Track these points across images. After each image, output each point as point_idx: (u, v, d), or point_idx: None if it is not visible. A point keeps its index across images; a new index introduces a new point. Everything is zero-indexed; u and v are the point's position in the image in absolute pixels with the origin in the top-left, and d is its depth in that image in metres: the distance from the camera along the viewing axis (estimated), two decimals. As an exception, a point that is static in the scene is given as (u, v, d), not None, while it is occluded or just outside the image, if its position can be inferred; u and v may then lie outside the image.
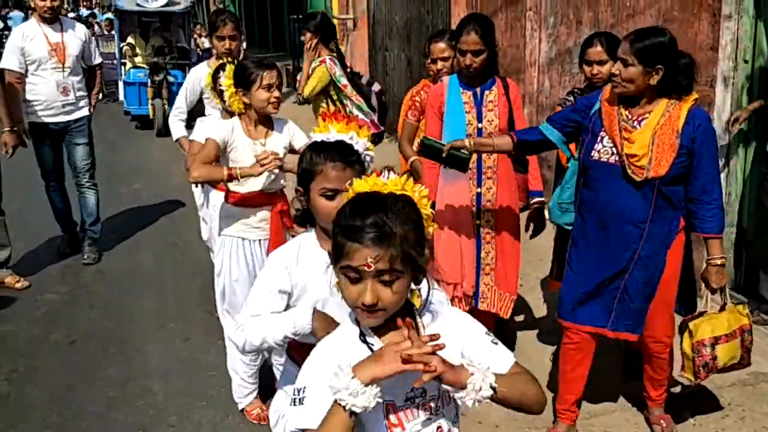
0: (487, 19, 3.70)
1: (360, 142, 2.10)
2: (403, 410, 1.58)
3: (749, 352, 3.16)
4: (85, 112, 5.88)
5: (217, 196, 3.68)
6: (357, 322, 1.64)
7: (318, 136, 2.11)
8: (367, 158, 2.12)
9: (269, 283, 2.05)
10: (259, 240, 3.40)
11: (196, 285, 5.24)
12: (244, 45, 15.07)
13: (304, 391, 1.57)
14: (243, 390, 3.59)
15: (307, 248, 2.07)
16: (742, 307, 3.19)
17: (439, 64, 4.01)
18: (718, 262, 3.00)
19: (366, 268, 1.50)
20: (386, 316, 1.57)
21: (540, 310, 4.70)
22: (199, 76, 4.50)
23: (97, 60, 6.15)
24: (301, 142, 3.42)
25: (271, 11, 21.29)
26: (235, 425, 3.55)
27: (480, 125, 3.64)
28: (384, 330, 1.62)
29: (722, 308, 3.12)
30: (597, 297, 3.13)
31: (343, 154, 2.05)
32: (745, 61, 4.47)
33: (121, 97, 13.00)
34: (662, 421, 3.34)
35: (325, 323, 1.93)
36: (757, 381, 3.75)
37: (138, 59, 12.19)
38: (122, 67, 12.82)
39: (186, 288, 5.28)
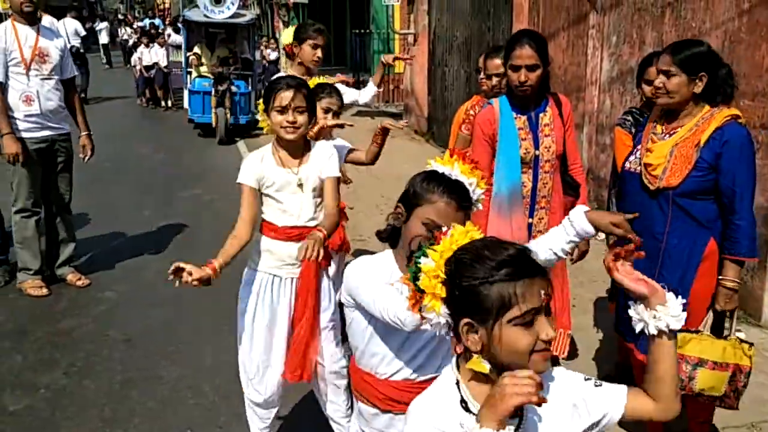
0: (540, 35, 3.49)
1: (477, 192, 2.08)
2: None
3: (738, 394, 2.89)
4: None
5: None
6: (457, 385, 1.51)
7: (439, 168, 2.08)
8: (474, 209, 2.09)
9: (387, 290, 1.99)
10: (291, 278, 3.04)
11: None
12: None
13: None
14: None
15: (384, 267, 2.11)
16: (748, 347, 2.87)
17: (494, 80, 4.02)
18: (728, 285, 2.88)
19: (545, 301, 1.40)
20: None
21: (590, 332, 4.64)
22: None
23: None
24: (328, 172, 3.00)
25: (334, 25, 21.61)
26: (283, 429, 3.58)
27: (537, 152, 3.38)
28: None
29: (724, 336, 2.90)
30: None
31: (461, 196, 2.02)
32: (815, 85, 4.36)
33: (186, 104, 13.39)
34: None
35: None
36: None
37: (203, 69, 12.53)
38: (188, 75, 13.21)
39: (240, 293, 5.35)
